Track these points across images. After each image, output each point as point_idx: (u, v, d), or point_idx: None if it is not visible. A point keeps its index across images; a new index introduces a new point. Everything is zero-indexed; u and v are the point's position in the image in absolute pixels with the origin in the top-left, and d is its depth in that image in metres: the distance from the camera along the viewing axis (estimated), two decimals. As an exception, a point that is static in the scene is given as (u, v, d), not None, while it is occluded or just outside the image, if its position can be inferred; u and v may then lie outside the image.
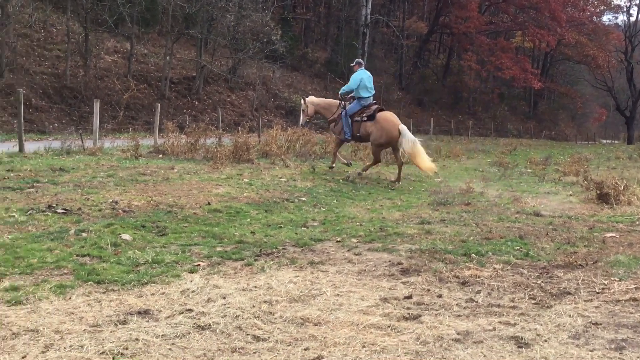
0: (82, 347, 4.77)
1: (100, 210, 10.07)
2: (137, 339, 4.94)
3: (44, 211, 9.73)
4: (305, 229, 9.82)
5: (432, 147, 31.18)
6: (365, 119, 16.50)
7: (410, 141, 16.24)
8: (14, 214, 9.41)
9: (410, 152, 16.33)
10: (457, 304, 6.06)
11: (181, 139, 20.17)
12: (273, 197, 12.56)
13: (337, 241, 8.87)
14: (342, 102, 16.87)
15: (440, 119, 56.07)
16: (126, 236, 8.49)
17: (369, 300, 6.10)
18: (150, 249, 7.98)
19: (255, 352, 4.86)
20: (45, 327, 5.15)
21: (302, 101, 16.80)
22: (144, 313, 5.60)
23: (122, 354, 4.70)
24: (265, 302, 5.94)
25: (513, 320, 5.59)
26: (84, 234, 8.46)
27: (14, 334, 5.02)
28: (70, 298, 5.97)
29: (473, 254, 7.95)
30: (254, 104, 41.72)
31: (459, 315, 5.76)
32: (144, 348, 4.81)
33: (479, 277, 6.92)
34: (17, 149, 17.47)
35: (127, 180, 13.16)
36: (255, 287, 6.43)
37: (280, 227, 9.89)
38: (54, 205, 10.13)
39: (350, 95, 16.98)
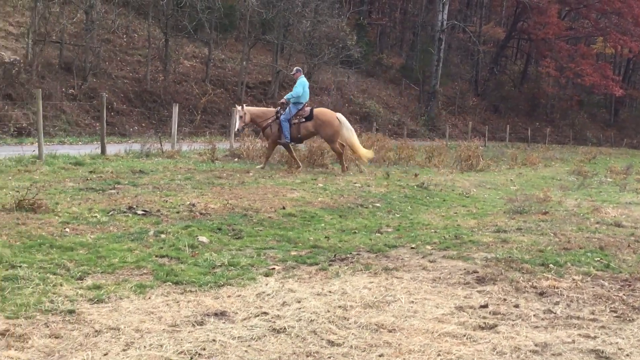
0: (161, 346, 4.88)
1: (178, 212, 10.28)
2: (214, 340, 5.02)
3: (124, 212, 9.99)
4: (379, 234, 9.80)
5: (507, 155, 30.70)
6: (304, 120, 17.27)
7: (348, 129, 17.58)
8: (96, 214, 9.69)
9: (349, 141, 17.54)
10: (534, 315, 5.96)
11: (256, 143, 20.42)
12: (347, 203, 12.58)
13: (412, 248, 8.82)
14: (280, 109, 17.46)
15: (516, 126, 55.09)
16: (203, 238, 8.64)
17: (444, 308, 6.05)
18: (227, 251, 8.09)
19: (329, 357, 4.88)
20: (126, 326, 5.28)
21: (240, 108, 17.05)
22: (221, 315, 5.69)
23: (199, 354, 4.79)
24: (339, 307, 5.95)
25: (593, 333, 5.46)
26: (163, 236, 8.65)
27: (96, 331, 5.16)
28: (149, 298, 6.11)
29: (551, 264, 7.79)
30: (329, 109, 41.79)
31: (536, 327, 5.65)
32: (221, 349, 4.89)
33: (557, 288, 6.78)
34: (99, 151, 17.98)
35: (204, 183, 13.39)
36: (330, 292, 6.45)
37: (355, 232, 9.90)
38: (134, 206, 10.39)
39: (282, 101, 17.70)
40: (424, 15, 57.51)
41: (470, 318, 5.79)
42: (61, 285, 6.25)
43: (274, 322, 5.49)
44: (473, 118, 52.29)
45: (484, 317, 5.83)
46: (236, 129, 17.30)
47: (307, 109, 17.38)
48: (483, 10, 66.05)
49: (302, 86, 17.32)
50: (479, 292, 6.66)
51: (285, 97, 17.29)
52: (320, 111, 17.83)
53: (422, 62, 52.52)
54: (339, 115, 17.77)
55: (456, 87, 56.17)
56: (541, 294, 6.63)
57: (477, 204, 13.76)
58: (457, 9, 63.16)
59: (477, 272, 7.38)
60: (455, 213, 12.36)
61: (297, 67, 18.48)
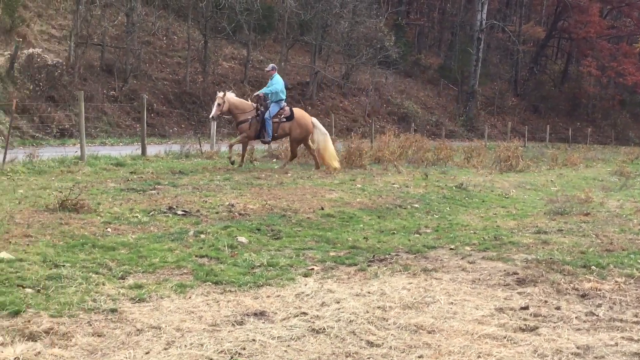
0: (201, 345, 4.92)
1: (217, 213, 10.36)
2: (253, 340, 5.05)
3: (165, 212, 10.09)
4: (418, 235, 9.77)
5: (547, 155, 30.35)
6: (284, 120, 17.03)
7: (322, 133, 17.54)
8: (137, 214, 9.81)
9: (322, 145, 17.50)
10: (576, 317, 5.88)
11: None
12: (386, 203, 12.55)
13: (451, 249, 8.77)
14: (259, 105, 16.86)
15: (556, 126, 54.42)
16: (242, 239, 8.69)
17: (484, 310, 6.01)
18: (266, 252, 8.14)
19: (369, 358, 4.88)
20: (167, 325, 5.34)
21: (221, 94, 16.41)
22: (260, 314, 5.72)
23: (239, 353, 4.82)
24: (378, 307, 5.95)
25: (637, 336, 5.38)
26: (202, 236, 8.72)
27: (138, 330, 5.23)
28: (190, 297, 6.16)
29: (593, 266, 7.69)
30: (367, 110, 41.82)
31: (578, 329, 5.59)
32: (261, 349, 4.91)
33: (599, 290, 6.69)
34: (140, 152, 18.21)
35: (243, 184, 13.47)
36: (369, 292, 6.45)
37: (393, 233, 9.88)
38: (174, 207, 10.49)
39: (257, 95, 17.29)
40: (463, 15, 57.11)
41: (511, 320, 5.74)
42: (103, 284, 6.34)
43: (313, 322, 5.50)
44: (512, 118, 51.78)
45: (525, 319, 5.78)
46: (211, 116, 16.80)
47: (287, 108, 17.21)
48: (523, 9, 65.28)
49: (281, 84, 17.17)
50: (519, 293, 6.60)
51: (262, 92, 16.96)
52: (300, 113, 17.67)
53: (461, 62, 52.16)
54: (314, 119, 17.83)
55: (495, 87, 55.65)
56: (583, 296, 6.55)
57: (516, 204, 13.63)
58: (497, 9, 62.58)
59: (518, 273, 7.31)
60: (495, 214, 12.26)
61: (273, 65, 18.06)
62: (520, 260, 8.02)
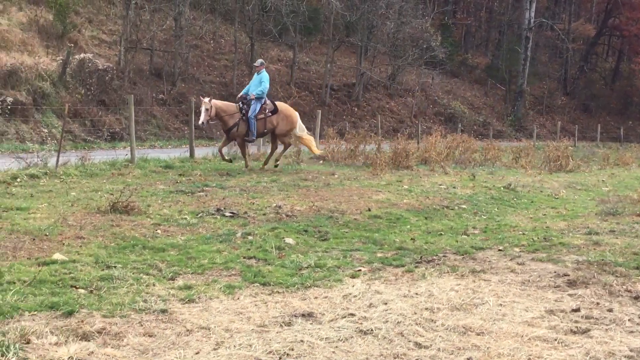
0: (250, 345, 4.97)
1: (264, 214, 10.43)
2: (302, 341, 5.08)
3: (213, 214, 10.20)
4: (465, 236, 9.71)
5: (598, 155, 29.84)
6: (270, 114, 16.63)
7: (303, 127, 17.49)
8: (186, 216, 9.94)
9: (304, 136, 17.38)
10: (629, 320, 5.78)
11: (341, 145, 20.49)
12: (433, 204, 12.49)
13: (499, 250, 8.70)
14: (243, 105, 16.44)
15: (607, 125, 53.41)
16: (289, 240, 8.74)
17: (534, 312, 5.95)
18: (313, 253, 8.17)
19: (417, 359, 4.87)
20: (216, 325, 5.40)
21: (207, 100, 15.92)
22: (308, 316, 5.74)
23: (288, 354, 4.85)
24: (426, 309, 5.93)
25: (691, 340, 5.27)
26: (250, 237, 8.80)
27: (187, 330, 5.30)
28: (238, 298, 6.22)
29: (646, 268, 7.55)
30: (413, 111, 41.64)
31: (631, 332, 5.49)
32: (309, 350, 4.94)
33: (653, 292, 6.57)
34: (188, 154, 18.41)
35: (290, 185, 13.54)
36: (417, 293, 6.43)
37: (441, 234, 9.83)
38: (222, 208, 10.60)
39: (242, 96, 16.85)
40: (511, 13, 56.44)
41: (562, 322, 5.67)
42: (154, 285, 6.44)
43: (361, 323, 5.51)
44: (562, 117, 51.00)
45: (576, 321, 5.70)
46: (200, 122, 16.04)
47: (269, 102, 16.85)
48: (572, 7, 64.24)
49: (268, 81, 16.90)
50: (570, 295, 6.52)
51: (254, 93, 16.36)
52: (283, 106, 17.42)
53: (509, 61, 51.56)
54: (296, 113, 17.66)
55: (544, 86, 54.84)
56: (636, 298, 6.43)
57: (567, 205, 13.45)
58: (545, 6, 61.68)
59: (568, 275, 7.21)
60: (544, 215, 12.11)
61: (262, 60, 17.80)
62: (571, 261, 7.92)
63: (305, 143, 17.65)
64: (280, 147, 17.41)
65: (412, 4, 41.87)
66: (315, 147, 17.90)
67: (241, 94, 16.97)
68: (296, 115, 17.39)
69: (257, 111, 16.43)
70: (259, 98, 16.45)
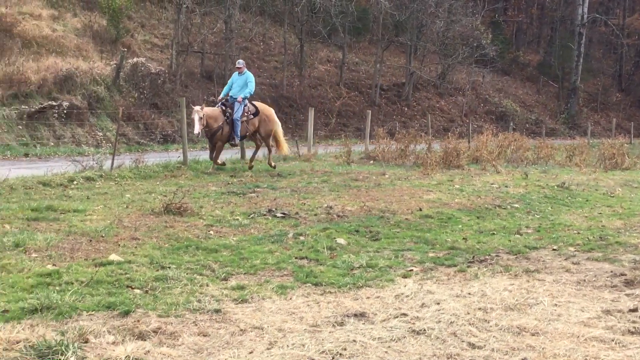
0: (303, 345, 4.99)
1: (315, 215, 10.46)
2: (354, 341, 5.08)
3: (264, 215, 10.27)
4: (518, 236, 9.60)
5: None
6: (252, 116, 16.20)
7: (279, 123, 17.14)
8: (238, 217, 10.03)
9: (280, 137, 16.98)
10: (688, 320, 5.65)
11: (391, 145, 20.46)
12: (485, 204, 12.37)
13: (553, 249, 8.58)
14: (226, 108, 15.89)
15: (665, 122, 52.29)
16: (341, 240, 8.76)
17: (590, 312, 5.85)
18: (364, 253, 8.17)
19: (470, 360, 4.84)
20: (269, 325, 5.44)
21: (199, 108, 15.27)
22: (360, 315, 5.75)
23: (340, 354, 4.86)
24: (479, 309, 5.88)
25: None
26: (302, 238, 8.84)
27: (241, 330, 5.35)
28: (290, 298, 6.26)
29: None
30: (464, 110, 41.31)
31: (691, 332, 5.37)
32: (361, 350, 4.94)
33: None
34: (239, 155, 18.57)
35: (340, 186, 13.55)
36: (469, 293, 6.39)
37: (493, 233, 9.73)
38: (274, 209, 10.66)
39: (224, 99, 16.26)
40: (563, 9, 55.58)
41: (619, 322, 5.57)
42: (207, 285, 6.52)
43: (414, 323, 5.50)
44: (617, 114, 50.04)
45: (634, 322, 5.59)
46: (195, 132, 15.30)
47: (250, 104, 16.31)
48: (626, 1, 62.97)
49: (254, 82, 16.44)
50: (627, 295, 6.40)
51: (242, 95, 15.86)
52: (263, 106, 16.98)
53: (561, 58, 50.80)
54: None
55: (598, 83, 53.88)
56: (696, 298, 6.28)
57: (623, 203, 13.18)
58: (599, 2, 60.60)
59: (625, 274, 7.08)
60: (600, 213, 11.90)
61: (242, 60, 17.18)
62: (627, 260, 7.78)
63: (279, 140, 17.03)
64: (266, 150, 17.02)
65: (462, 2, 41.55)
66: (286, 147, 17.50)
67: (221, 96, 16.44)
68: (274, 114, 17.11)
69: (241, 113, 16.02)
70: (244, 98, 16.00)
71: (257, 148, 17.12)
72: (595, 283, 6.85)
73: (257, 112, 16.43)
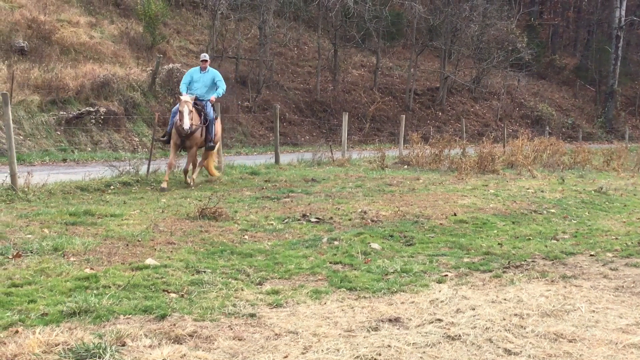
0: (337, 350, 4.99)
1: (350, 220, 10.46)
2: (389, 346, 5.07)
3: (298, 220, 10.30)
4: (555, 241, 9.50)
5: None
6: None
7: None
8: (272, 222, 10.07)
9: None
10: None
11: (425, 150, 20.38)
12: (520, 209, 12.26)
13: (591, 255, 8.48)
14: (202, 108, 14.21)
15: None
16: (375, 245, 8.74)
17: (628, 319, 5.78)
18: (399, 258, 8.15)
19: (506, 366, 4.80)
20: (303, 330, 5.46)
21: (189, 98, 13.50)
22: (395, 321, 5.74)
23: (375, 359, 4.86)
24: (515, 315, 5.84)
25: None
26: (336, 242, 8.84)
27: (276, 334, 5.37)
28: (325, 303, 6.27)
29: None
30: (498, 114, 41.00)
31: None
32: (396, 355, 4.93)
33: None
34: (273, 160, 18.66)
35: (374, 191, 13.54)
36: (505, 299, 6.34)
37: (529, 239, 9.65)
38: (308, 214, 10.68)
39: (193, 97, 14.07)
40: (600, 12, 54.94)
41: (658, 329, 5.49)
42: (242, 290, 6.55)
43: (449, 329, 5.47)
44: (656, 118, 49.33)
45: (673, 329, 5.51)
46: (186, 128, 13.36)
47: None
48: (665, 3, 62.06)
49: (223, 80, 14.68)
50: (666, 302, 6.30)
51: (216, 96, 14.31)
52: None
53: (598, 61, 50.24)
54: None
55: (636, 86, 53.12)
56: None
57: (662, 209, 12.99)
58: (637, 4, 59.69)
59: (664, 281, 6.97)
60: (638, 219, 11.73)
61: (206, 54, 15.17)
62: (666, 267, 7.66)
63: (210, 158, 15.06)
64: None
65: (497, 5, 41.31)
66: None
67: (190, 96, 13.85)
68: None
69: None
70: (207, 100, 14.28)
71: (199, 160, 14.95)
72: (634, 289, 6.75)
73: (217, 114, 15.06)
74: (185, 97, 13.49)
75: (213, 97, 14.30)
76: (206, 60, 14.64)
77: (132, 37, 28.52)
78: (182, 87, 14.34)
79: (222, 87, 14.54)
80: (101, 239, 8.28)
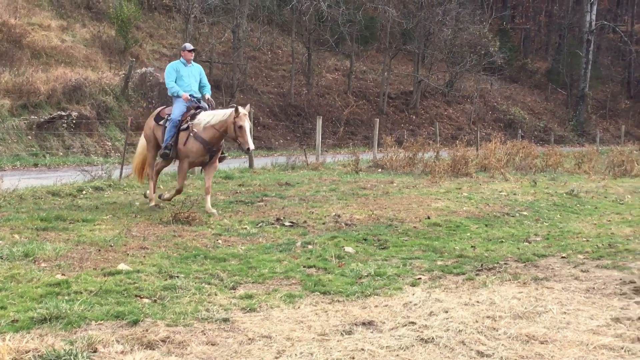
0: (311, 354, 4.99)
1: (324, 224, 10.46)
2: (362, 349, 5.08)
3: (272, 224, 10.29)
4: (527, 244, 9.57)
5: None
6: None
7: None
8: (246, 226, 10.05)
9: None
10: (698, 328, 5.62)
11: (399, 153, 20.45)
12: (493, 211, 12.35)
13: (562, 257, 8.55)
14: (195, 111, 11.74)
15: (674, 128, 52.11)
16: (349, 249, 8.75)
17: (599, 320, 5.83)
18: (372, 261, 8.16)
19: (479, 368, 4.83)
20: (277, 334, 5.44)
21: (246, 112, 11.11)
22: (368, 324, 5.74)
23: (349, 362, 4.86)
24: (488, 317, 5.87)
25: None
26: (310, 246, 8.84)
27: (249, 339, 5.35)
28: (299, 307, 6.26)
29: None
30: (472, 117, 41.28)
31: (701, 340, 5.34)
32: (370, 358, 4.94)
33: None
34: (247, 164, 18.61)
35: (348, 194, 13.56)
36: (478, 302, 6.37)
37: (502, 241, 9.71)
38: (282, 218, 10.67)
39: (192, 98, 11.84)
40: (571, 16, 55.57)
41: (628, 330, 5.55)
42: (215, 294, 6.52)
43: (422, 331, 5.49)
44: (626, 121, 49.91)
45: (643, 330, 5.57)
46: (252, 149, 11.32)
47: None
48: (635, 8, 62.86)
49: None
50: (636, 303, 6.37)
51: (209, 95, 12.19)
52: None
53: (570, 65, 50.79)
54: None
55: (607, 90, 53.76)
56: None
57: (632, 211, 13.13)
58: (607, 9, 60.57)
59: (635, 282, 7.05)
60: (609, 221, 11.86)
61: (190, 44, 12.56)
62: (637, 268, 7.75)
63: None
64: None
65: (470, 9, 41.63)
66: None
67: (187, 94, 11.66)
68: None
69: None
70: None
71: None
72: (605, 291, 6.82)
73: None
74: (244, 110, 11.02)
75: (208, 95, 12.11)
76: (193, 50, 12.27)
77: (104, 41, 28.32)
78: (171, 84, 11.78)
79: (208, 84, 12.42)
80: (73, 245, 8.21)
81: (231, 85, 31.25)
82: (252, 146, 11.14)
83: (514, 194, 14.71)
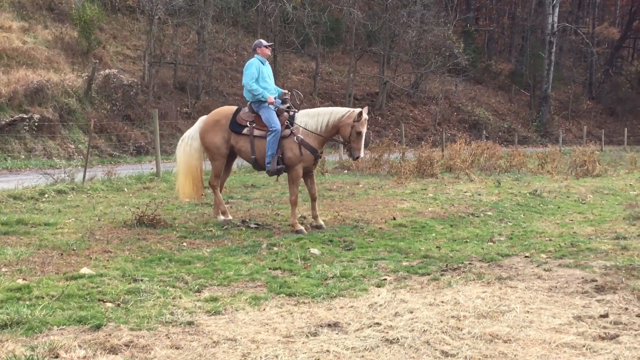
0: (276, 357, 4.97)
1: (289, 225, 10.43)
2: (327, 351, 5.07)
3: (238, 226, 10.25)
4: (491, 243, 9.64)
5: (626, 159, 29.54)
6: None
7: None
8: (211, 228, 10.00)
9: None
10: (658, 325, 5.71)
11: (365, 155, 20.49)
12: (458, 212, 12.44)
13: (526, 256, 8.63)
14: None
15: (635, 129, 52.86)
16: (315, 250, 8.75)
17: (562, 318, 5.89)
18: (338, 263, 8.16)
19: (443, 368, 4.84)
20: (242, 337, 5.41)
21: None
22: (334, 325, 5.74)
23: (314, 364, 4.85)
24: (452, 317, 5.90)
25: None
26: (275, 248, 8.82)
27: (214, 342, 5.32)
28: (264, 309, 6.23)
29: (675, 272, 7.44)
30: (437, 118, 41.55)
31: (660, 337, 5.42)
32: None
33: (682, 297, 6.47)
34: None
35: (315, 196, 13.54)
36: (442, 302, 6.40)
37: (466, 241, 9.78)
38: (247, 220, 10.64)
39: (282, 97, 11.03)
40: (533, 18, 56.22)
41: (590, 328, 5.61)
42: (180, 297, 6.47)
43: (387, 332, 5.50)
44: (588, 122, 50.66)
45: (605, 327, 5.64)
46: (362, 155, 10.55)
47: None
48: (596, 10, 63.88)
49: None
50: (598, 301, 6.44)
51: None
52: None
53: (533, 66, 51.39)
54: None
55: (569, 91, 54.51)
56: (665, 303, 6.34)
57: (594, 210, 13.32)
58: (568, 11, 61.41)
59: (596, 280, 7.14)
60: (571, 220, 12.01)
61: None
62: (598, 267, 7.84)
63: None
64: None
65: (434, 12, 41.90)
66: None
67: (272, 96, 10.58)
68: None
69: None
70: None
71: None
72: (567, 289, 6.89)
73: None
74: (366, 114, 10.22)
75: (272, 97, 10.60)
76: (270, 46, 11.26)
77: (66, 43, 27.98)
78: (255, 86, 10.47)
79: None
80: (34, 249, 8.10)
81: (196, 88, 31.09)
82: (363, 154, 10.35)
83: (479, 195, 14.83)
